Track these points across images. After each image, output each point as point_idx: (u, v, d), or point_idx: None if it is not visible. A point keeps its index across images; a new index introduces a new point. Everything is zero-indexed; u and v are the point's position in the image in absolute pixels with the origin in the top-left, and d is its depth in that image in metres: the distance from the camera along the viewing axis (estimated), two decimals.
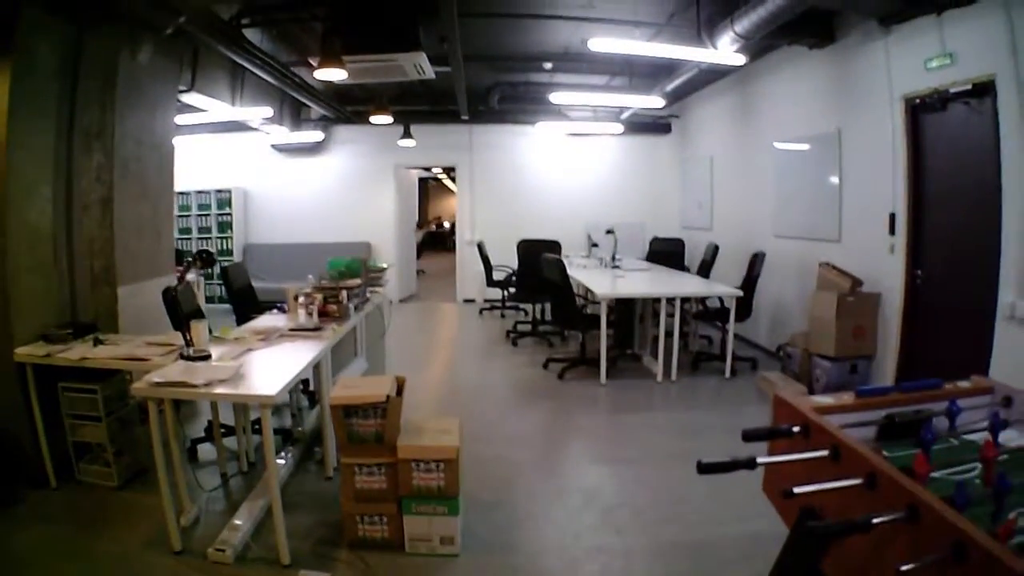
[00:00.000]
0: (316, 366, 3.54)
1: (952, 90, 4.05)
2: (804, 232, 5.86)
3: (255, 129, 8.69)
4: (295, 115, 9.17)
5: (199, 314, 3.44)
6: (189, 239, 9.64)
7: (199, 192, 9.63)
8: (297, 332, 3.84)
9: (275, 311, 4.49)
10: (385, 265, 5.65)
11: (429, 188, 20.02)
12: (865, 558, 1.34)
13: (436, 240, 19.18)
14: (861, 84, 5.05)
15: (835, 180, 5.36)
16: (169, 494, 2.85)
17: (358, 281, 4.66)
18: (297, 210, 9.89)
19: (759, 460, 1.61)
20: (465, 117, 8.94)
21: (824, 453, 1.58)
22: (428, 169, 17.97)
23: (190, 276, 3.49)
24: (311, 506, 3.35)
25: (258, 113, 7.30)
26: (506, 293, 8.43)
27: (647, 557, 2.91)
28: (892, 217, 4.68)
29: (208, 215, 9.71)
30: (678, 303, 5.61)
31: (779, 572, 1.80)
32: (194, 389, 2.76)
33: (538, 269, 6.02)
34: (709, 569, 2.78)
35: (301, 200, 9.92)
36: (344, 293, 4.30)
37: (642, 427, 4.57)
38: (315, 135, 9.57)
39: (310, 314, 4.16)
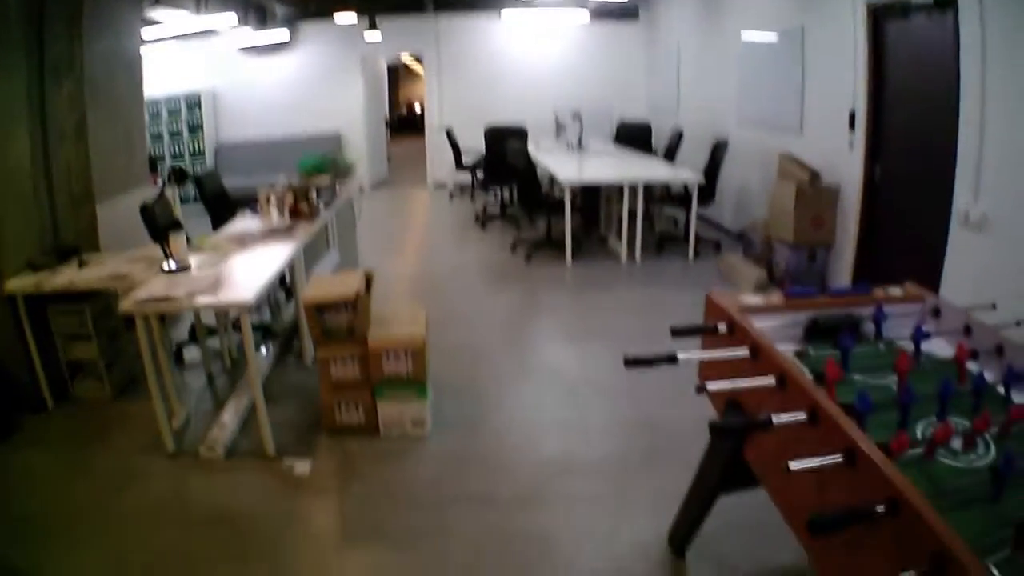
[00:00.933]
0: (290, 264, 3.63)
1: (915, 1, 3.98)
2: (767, 121, 5.86)
3: (222, 33, 8.41)
4: (260, 16, 8.82)
5: (177, 226, 3.46)
6: (161, 143, 9.43)
7: (168, 98, 9.31)
8: (270, 235, 3.87)
9: (248, 212, 4.49)
10: (354, 160, 5.59)
11: (399, 73, 19.21)
12: (775, 453, 1.51)
13: (407, 124, 18.70)
14: None
15: (798, 74, 5.31)
16: (160, 401, 3.01)
17: (327, 179, 4.64)
18: (267, 107, 9.71)
19: (680, 356, 1.69)
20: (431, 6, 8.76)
21: (744, 352, 1.70)
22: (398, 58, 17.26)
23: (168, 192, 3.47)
24: (292, 397, 3.56)
25: (224, 20, 6.95)
26: (475, 178, 8.38)
27: (605, 432, 3.19)
28: (852, 115, 4.70)
29: (178, 119, 9.43)
30: (642, 185, 5.69)
31: (706, 458, 2.04)
32: (178, 302, 2.88)
33: (505, 155, 6.00)
34: (662, 445, 3.04)
35: (270, 97, 9.72)
36: (314, 192, 4.29)
37: (605, 307, 4.82)
38: (281, 34, 9.26)
39: (282, 215, 4.19)
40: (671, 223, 7.03)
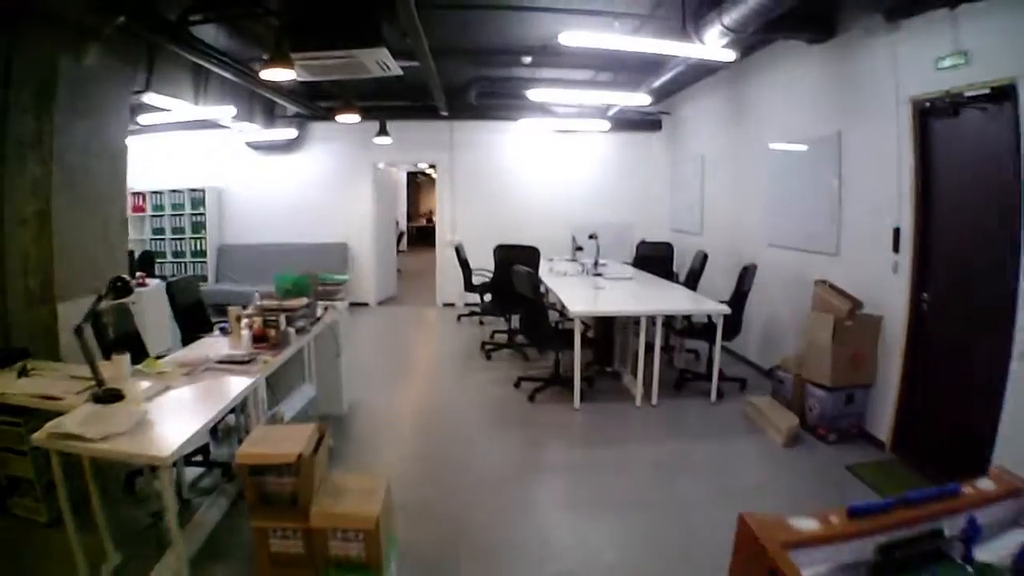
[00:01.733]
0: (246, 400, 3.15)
1: (967, 93, 3.58)
2: (800, 243, 5.40)
3: (227, 127, 8.29)
4: (268, 112, 8.75)
5: (127, 341, 3.02)
6: (163, 239, 9.33)
7: (173, 191, 9.29)
8: (225, 364, 3.40)
9: (217, 333, 4.10)
10: (343, 278, 5.21)
11: (419, 182, 19.59)
12: None
13: (426, 234, 18.70)
14: (864, 84, 4.59)
15: (834, 187, 4.91)
16: (77, 544, 2.56)
17: (303, 301, 4.22)
18: (272, 210, 9.52)
19: None
20: (445, 113, 8.55)
21: None
22: (415, 166, 17.64)
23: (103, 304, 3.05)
24: (242, 557, 2.94)
25: (222, 112, 6.86)
26: (483, 301, 7.98)
27: None
28: (896, 232, 4.23)
29: (182, 215, 9.33)
30: (660, 319, 5.17)
31: None
32: (88, 443, 2.39)
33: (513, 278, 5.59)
34: None
35: (276, 199, 9.54)
36: (282, 318, 3.85)
37: (615, 465, 4.13)
38: (288, 132, 9.18)
39: (249, 340, 3.76)
40: (691, 356, 6.44)
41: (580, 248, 7.67)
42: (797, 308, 5.34)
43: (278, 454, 2.54)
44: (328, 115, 8.58)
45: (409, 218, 18.77)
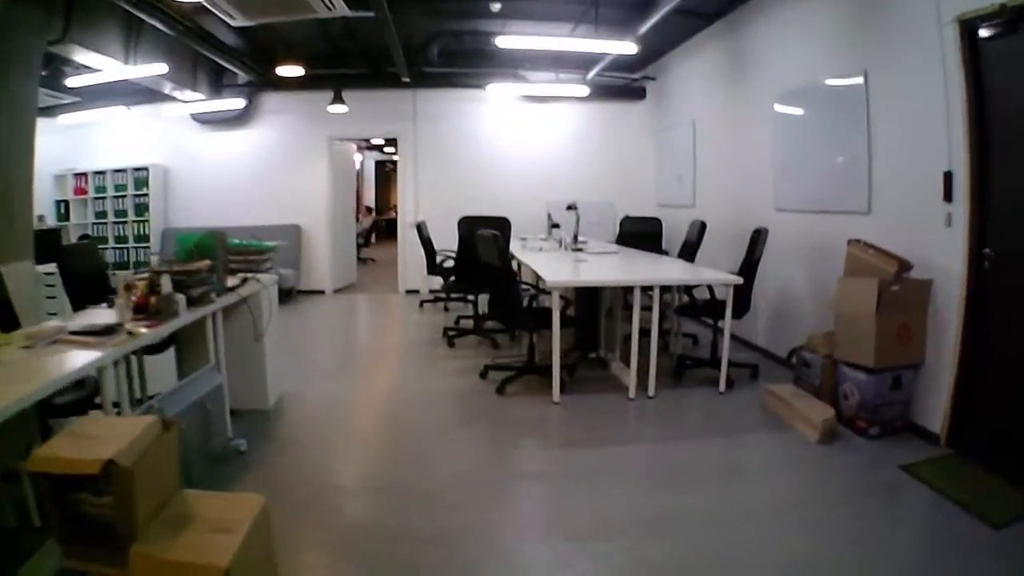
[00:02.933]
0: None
1: None
2: (818, 204, 4.55)
3: (173, 98, 7.36)
4: (214, 79, 7.78)
5: None
6: (104, 223, 8.54)
7: (116, 171, 8.46)
8: (78, 336, 2.43)
9: (104, 304, 3.19)
10: (270, 244, 4.24)
11: (388, 173, 18.58)
12: None
13: (394, 227, 17.73)
14: (895, 9, 3.79)
15: (862, 136, 4.06)
16: None
17: (204, 264, 3.24)
18: (220, 190, 8.56)
19: None
20: (406, 79, 7.66)
21: None
22: (381, 149, 16.61)
23: None
24: None
25: (153, 70, 5.81)
26: (448, 283, 7.03)
27: None
28: (948, 177, 3.40)
29: (125, 196, 8.48)
30: (657, 293, 4.27)
31: None
32: None
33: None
34: None
35: (225, 178, 8.58)
36: (165, 280, 2.88)
37: (604, 473, 3.19)
38: (236, 102, 8.20)
39: (128, 309, 2.79)
40: (688, 341, 5.57)
41: (556, 225, 6.75)
42: (816, 280, 4.51)
43: (79, 460, 1.57)
44: (279, 84, 7.84)
45: (379, 211, 17.70)
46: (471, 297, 6.52)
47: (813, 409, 3.58)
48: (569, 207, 6.19)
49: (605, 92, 8.34)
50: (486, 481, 3.08)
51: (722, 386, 4.27)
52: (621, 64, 7.39)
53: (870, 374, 3.47)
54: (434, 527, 2.59)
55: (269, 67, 7.03)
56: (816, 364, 3.84)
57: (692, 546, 2.43)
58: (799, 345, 4.09)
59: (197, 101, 7.63)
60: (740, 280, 4.21)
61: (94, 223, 8.53)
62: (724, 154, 6.16)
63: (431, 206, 8.51)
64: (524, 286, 5.21)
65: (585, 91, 7.74)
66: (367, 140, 13.54)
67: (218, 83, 7.89)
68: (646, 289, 4.24)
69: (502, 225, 5.45)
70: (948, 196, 3.42)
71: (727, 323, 4.21)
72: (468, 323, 6.19)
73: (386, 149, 16.52)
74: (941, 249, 3.46)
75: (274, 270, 4.28)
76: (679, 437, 3.67)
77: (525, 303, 4.50)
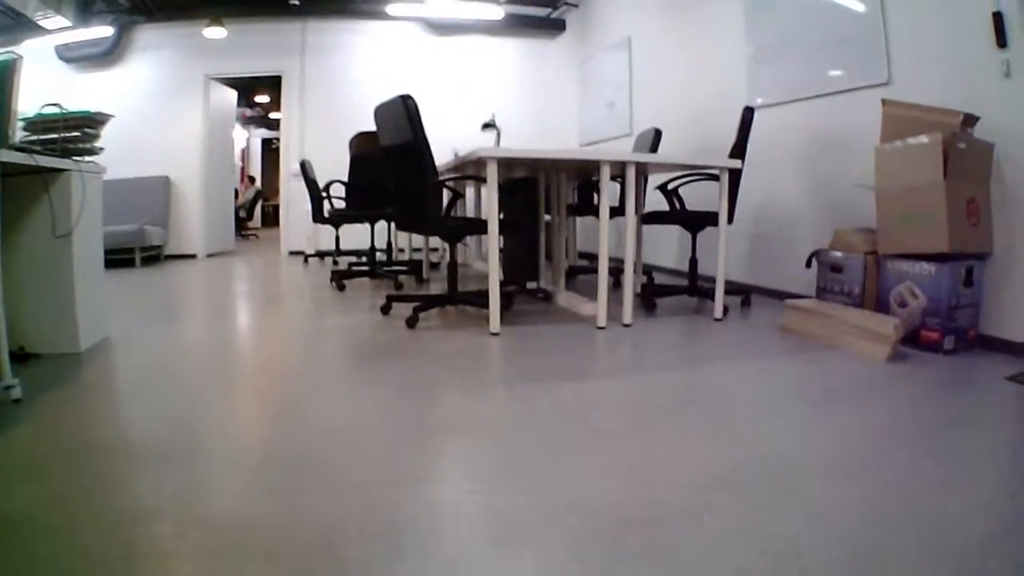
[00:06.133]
0: None
1: None
2: (814, 86, 3.61)
3: (36, 27, 5.99)
4: (82, 5, 6.27)
5: None
6: None
7: None
8: None
9: None
10: (98, 113, 2.78)
11: (276, 151, 16.43)
12: None
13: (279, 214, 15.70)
14: None
15: None
16: None
17: None
18: None
19: None
20: (296, 2, 6.61)
21: None
22: (268, 124, 14.63)
23: None
24: None
25: None
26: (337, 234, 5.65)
27: None
28: (998, 19, 2.54)
29: None
30: (632, 178, 3.11)
31: None
32: None
33: (377, 172, 3.35)
34: None
35: None
36: None
37: (611, 409, 1.99)
38: (105, 30, 6.65)
39: None
40: (644, 278, 4.48)
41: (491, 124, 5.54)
42: (816, 182, 3.59)
43: None
44: (152, 13, 6.61)
45: (266, 198, 15.57)
46: (366, 223, 5.10)
47: (869, 320, 2.55)
48: (486, 125, 5.00)
49: (521, 23, 7.28)
50: (407, 430, 1.78)
51: (718, 311, 3.20)
52: None
53: (941, 264, 2.49)
54: (325, 503, 1.29)
55: None
56: (854, 266, 2.83)
57: (853, 502, 1.27)
58: (822, 247, 3.07)
59: (63, 30, 6.17)
60: (740, 164, 3.16)
61: None
62: (674, 62, 5.10)
63: (317, 150, 7.06)
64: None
65: (499, 13, 6.59)
66: (248, 85, 11.59)
67: (85, 8, 6.33)
68: (616, 176, 3.09)
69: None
70: (1002, 41, 2.54)
71: (722, 228, 3.13)
72: (363, 269, 4.83)
73: (272, 116, 14.37)
74: (999, 106, 2.59)
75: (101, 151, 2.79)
76: (697, 361, 2.53)
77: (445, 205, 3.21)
